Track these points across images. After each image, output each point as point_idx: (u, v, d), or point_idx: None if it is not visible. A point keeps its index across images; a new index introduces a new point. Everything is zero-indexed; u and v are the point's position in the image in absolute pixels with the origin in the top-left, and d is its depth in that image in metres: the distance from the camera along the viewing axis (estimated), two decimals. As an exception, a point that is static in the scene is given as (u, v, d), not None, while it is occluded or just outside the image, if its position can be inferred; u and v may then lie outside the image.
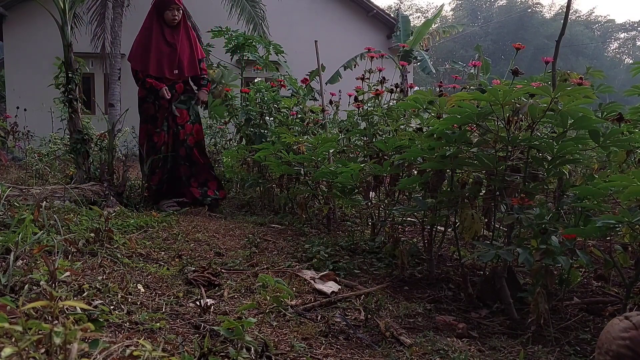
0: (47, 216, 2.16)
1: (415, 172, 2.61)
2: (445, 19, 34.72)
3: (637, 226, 1.62)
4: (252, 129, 4.34)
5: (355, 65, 11.33)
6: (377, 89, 3.31)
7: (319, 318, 1.74)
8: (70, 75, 3.64)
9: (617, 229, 1.68)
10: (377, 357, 1.48)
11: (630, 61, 37.85)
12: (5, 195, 2.42)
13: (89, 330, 0.94)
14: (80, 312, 1.29)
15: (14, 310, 1.09)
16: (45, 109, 8.16)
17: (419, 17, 37.44)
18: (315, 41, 4.75)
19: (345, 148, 3.69)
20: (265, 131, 4.21)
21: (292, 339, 1.49)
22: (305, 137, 3.66)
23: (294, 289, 2.02)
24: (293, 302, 1.85)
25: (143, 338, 1.29)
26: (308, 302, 1.89)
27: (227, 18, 10.39)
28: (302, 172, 3.32)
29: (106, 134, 4.35)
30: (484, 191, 2.28)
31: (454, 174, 2.30)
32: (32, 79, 11.41)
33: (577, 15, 36.86)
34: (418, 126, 2.66)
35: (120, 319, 1.43)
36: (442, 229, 2.58)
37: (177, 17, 3.90)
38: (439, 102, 2.26)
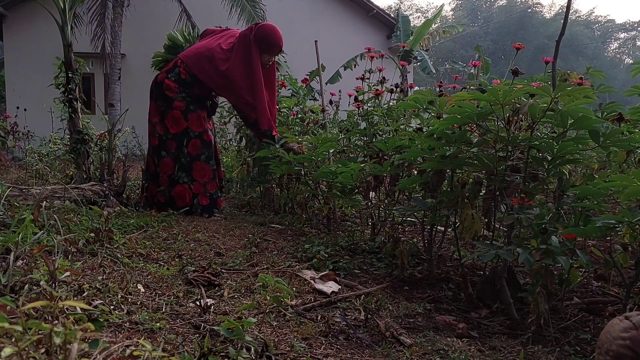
0: (47, 216, 2.16)
1: (415, 172, 2.61)
2: (445, 19, 34.72)
3: (637, 226, 1.62)
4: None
5: (355, 65, 11.34)
6: (377, 89, 3.31)
7: (319, 318, 1.74)
8: (70, 75, 3.64)
9: (617, 229, 1.68)
10: (377, 357, 1.48)
11: (630, 61, 37.85)
12: (5, 195, 2.42)
13: (89, 330, 0.94)
14: (80, 312, 1.29)
15: (14, 310, 1.09)
16: (45, 109, 8.16)
17: (419, 17, 37.48)
18: (315, 41, 4.76)
19: (345, 148, 3.70)
20: None
21: (292, 339, 1.49)
22: (306, 137, 3.67)
23: (294, 289, 2.02)
24: (293, 302, 1.85)
25: (143, 338, 1.29)
26: (308, 302, 1.89)
27: (227, 18, 10.40)
28: (302, 173, 3.32)
29: (106, 134, 4.35)
30: (484, 191, 2.28)
31: (454, 174, 2.30)
32: (32, 79, 11.43)
33: (577, 15, 36.88)
34: (418, 126, 2.66)
35: (120, 319, 1.43)
36: (442, 229, 2.59)
37: (270, 62, 3.77)
38: (439, 102, 2.26)
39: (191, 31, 4.14)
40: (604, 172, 2.24)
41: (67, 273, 1.53)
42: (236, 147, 4.67)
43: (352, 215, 3.83)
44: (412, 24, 14.10)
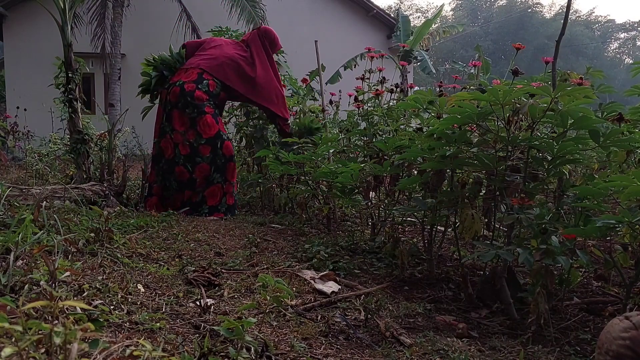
0: (47, 216, 2.16)
1: (415, 172, 2.61)
2: (445, 19, 34.70)
3: (637, 226, 1.62)
4: (251, 128, 4.37)
5: (355, 65, 11.32)
6: (377, 89, 3.31)
7: (319, 318, 1.74)
8: (70, 75, 3.64)
9: (617, 229, 1.68)
10: (377, 357, 1.48)
11: (630, 61, 37.80)
12: (5, 195, 2.42)
13: (89, 330, 0.94)
14: (80, 312, 1.29)
15: (14, 310, 1.09)
16: (45, 109, 8.15)
17: (419, 17, 37.43)
18: (315, 41, 4.76)
19: (345, 148, 3.70)
20: (265, 126, 4.28)
21: (292, 339, 1.49)
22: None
23: (294, 289, 2.02)
24: (293, 302, 1.85)
25: (143, 338, 1.29)
26: (308, 302, 1.89)
27: (227, 18, 10.38)
28: (298, 173, 3.33)
29: (106, 134, 4.35)
30: (484, 191, 2.28)
31: (454, 174, 2.30)
32: (32, 79, 11.42)
33: (577, 15, 36.83)
34: (418, 126, 2.66)
35: (120, 319, 1.43)
36: (442, 229, 2.59)
37: None
38: (439, 102, 2.26)
39: (173, 50, 4.14)
40: (604, 172, 2.24)
41: (67, 273, 1.53)
42: (236, 147, 4.68)
43: (352, 215, 3.83)
44: (412, 24, 14.08)
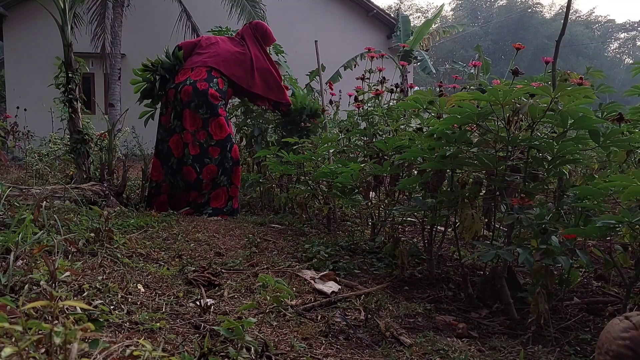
0: (47, 216, 2.16)
1: (415, 172, 2.61)
2: (445, 19, 34.71)
3: (637, 226, 1.62)
4: (250, 127, 4.38)
5: (355, 65, 11.32)
6: (377, 89, 3.31)
7: (319, 318, 1.74)
8: (70, 75, 3.64)
9: (617, 229, 1.68)
10: (377, 357, 1.48)
11: (630, 61, 37.76)
12: (5, 195, 2.42)
13: (89, 330, 0.94)
14: (80, 312, 1.29)
15: (14, 310, 1.09)
16: (45, 109, 8.15)
17: (419, 17, 37.43)
18: (315, 41, 4.76)
19: (345, 148, 3.70)
20: (265, 125, 4.30)
21: (292, 339, 1.49)
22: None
23: (294, 289, 2.02)
24: (293, 302, 1.85)
25: (143, 338, 1.29)
26: (308, 302, 1.89)
27: (227, 18, 10.38)
28: (298, 173, 3.33)
29: (106, 134, 4.35)
30: (484, 191, 2.28)
31: (454, 174, 2.30)
32: (32, 79, 11.41)
33: (577, 15, 36.84)
34: (418, 126, 2.66)
35: (120, 319, 1.43)
36: (442, 229, 2.59)
37: None
38: (439, 102, 2.26)
39: (169, 52, 4.12)
40: (604, 172, 2.24)
41: (67, 273, 1.53)
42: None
43: (352, 215, 3.83)
44: (412, 24, 14.06)
